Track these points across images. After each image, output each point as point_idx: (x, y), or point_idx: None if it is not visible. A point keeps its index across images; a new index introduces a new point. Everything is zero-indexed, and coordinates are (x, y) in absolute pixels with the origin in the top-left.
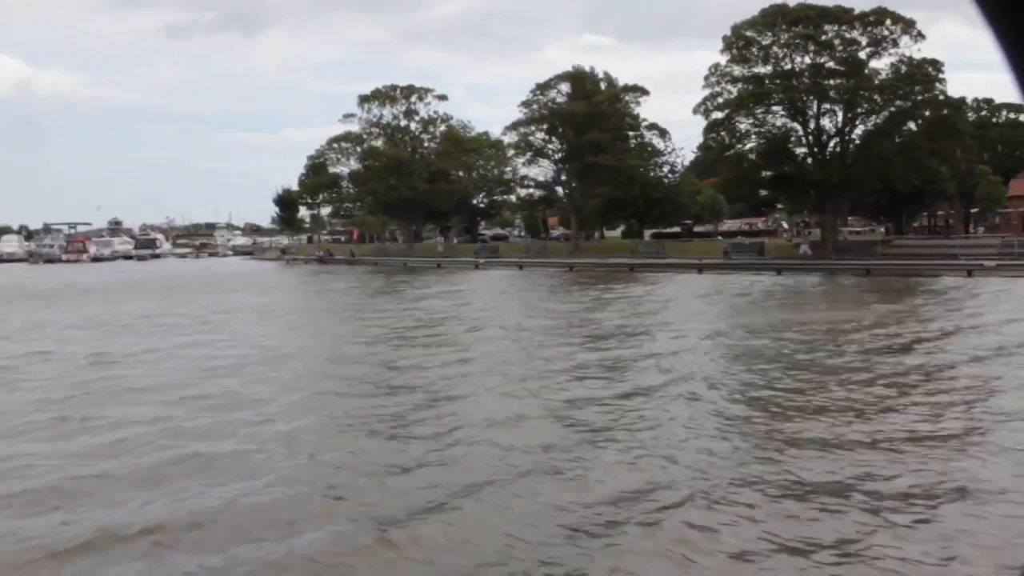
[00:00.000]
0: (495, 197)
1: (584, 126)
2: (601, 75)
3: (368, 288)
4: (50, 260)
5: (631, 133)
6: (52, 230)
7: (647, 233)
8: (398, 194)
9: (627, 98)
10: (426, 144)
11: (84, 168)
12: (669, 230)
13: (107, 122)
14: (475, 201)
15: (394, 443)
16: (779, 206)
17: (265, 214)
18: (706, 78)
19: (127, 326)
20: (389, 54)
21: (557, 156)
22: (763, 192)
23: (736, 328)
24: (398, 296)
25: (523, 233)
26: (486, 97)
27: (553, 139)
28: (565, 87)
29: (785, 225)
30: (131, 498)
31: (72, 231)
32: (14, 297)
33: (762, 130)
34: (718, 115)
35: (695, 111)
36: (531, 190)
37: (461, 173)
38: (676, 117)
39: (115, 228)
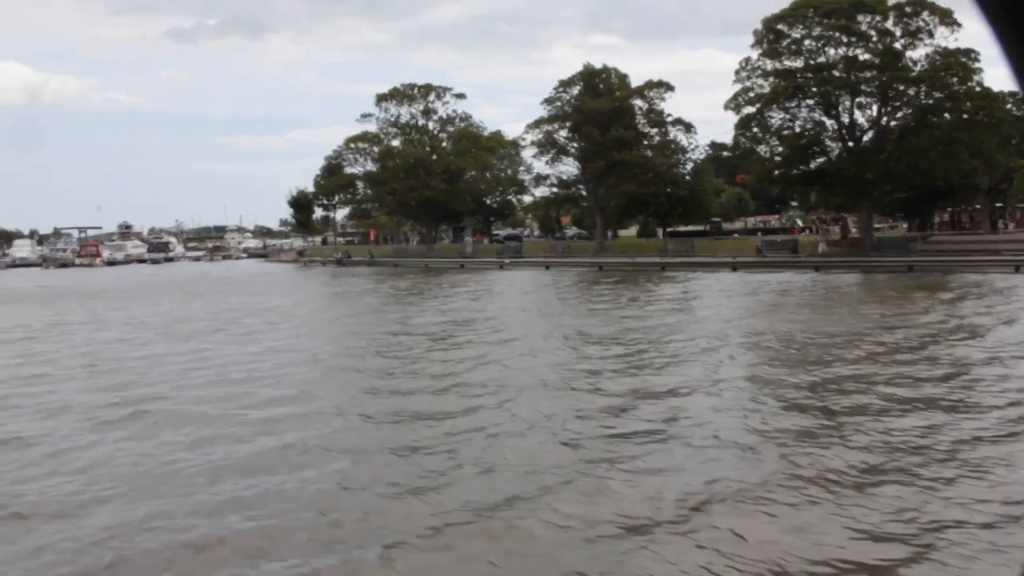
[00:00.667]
0: (509, 197)
1: (608, 123)
2: (613, 75)
3: (397, 290)
4: (63, 264)
5: (655, 129)
6: (62, 234)
7: (660, 232)
8: (418, 194)
9: (651, 94)
10: (444, 144)
11: (91, 172)
12: (686, 228)
13: (114, 127)
14: (488, 201)
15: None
16: (793, 203)
17: (273, 216)
18: (736, 72)
19: (168, 332)
20: (394, 56)
21: (580, 154)
22: (797, 188)
23: (803, 328)
24: (430, 299)
25: (538, 233)
26: (493, 97)
27: (576, 137)
28: (581, 84)
29: (800, 223)
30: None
31: (83, 235)
32: (47, 300)
33: (793, 125)
34: (749, 110)
35: (726, 107)
36: (554, 189)
37: (474, 173)
38: (686, 116)
39: (125, 232)
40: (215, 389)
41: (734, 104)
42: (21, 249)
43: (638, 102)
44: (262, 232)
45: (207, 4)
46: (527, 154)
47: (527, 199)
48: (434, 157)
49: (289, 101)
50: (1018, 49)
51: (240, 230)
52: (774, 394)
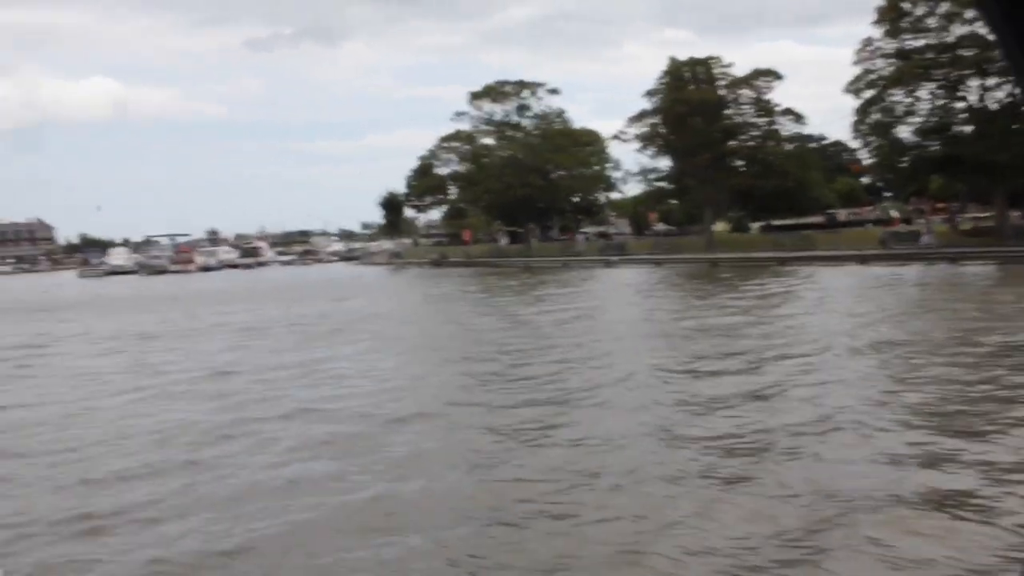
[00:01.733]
0: (596, 195)
1: (714, 114)
2: (696, 67)
3: (513, 290)
4: (159, 271)
5: (763, 119)
6: (153, 241)
7: (754, 226)
8: (514, 192)
9: (759, 82)
10: (538, 141)
11: (172, 180)
12: (781, 222)
13: (193, 135)
14: (576, 199)
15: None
16: (887, 194)
17: (354, 219)
18: (857, 53)
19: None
20: (467, 57)
21: (685, 146)
22: (921, 175)
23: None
24: (559, 300)
25: (628, 230)
26: (566, 95)
27: (679, 129)
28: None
29: (895, 214)
30: None
31: (174, 242)
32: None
33: (917, 108)
34: (870, 93)
35: (846, 90)
36: (654, 184)
37: (563, 172)
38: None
39: (214, 238)
40: None
41: (854, 88)
42: (117, 257)
43: (744, 91)
44: (346, 235)
45: (283, 13)
46: (629, 148)
47: (614, 196)
48: (529, 155)
49: (363, 106)
50: (1018, 49)
51: (325, 234)
52: None
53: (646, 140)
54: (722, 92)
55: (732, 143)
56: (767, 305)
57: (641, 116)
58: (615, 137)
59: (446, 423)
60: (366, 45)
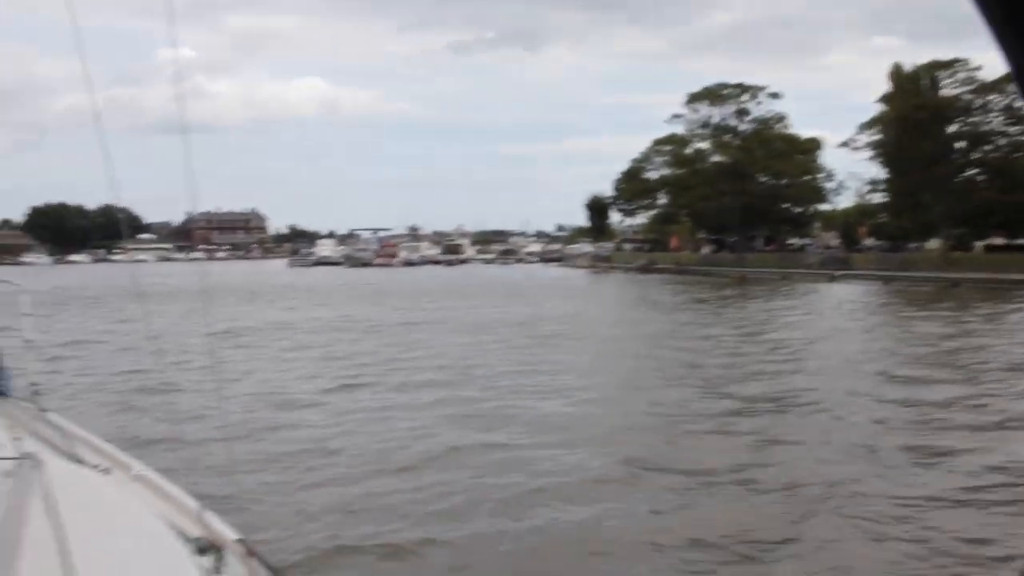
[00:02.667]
0: (802, 208)
1: (951, 121)
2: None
3: (755, 306)
4: (364, 264)
5: (1015, 128)
6: (355, 235)
7: (977, 245)
8: (730, 200)
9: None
10: (755, 146)
11: (373, 176)
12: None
13: (394, 134)
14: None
15: None
16: None
17: (547, 221)
18: None
19: None
20: (667, 64)
21: (921, 157)
22: None
23: None
24: (806, 320)
25: (837, 244)
26: (770, 103)
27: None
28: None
29: None
30: None
31: (375, 235)
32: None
33: None
34: None
35: None
36: (884, 194)
37: (777, 180)
38: None
39: (414, 233)
40: None
41: None
42: (325, 248)
43: (992, 97)
44: (541, 236)
45: (487, 18)
46: (846, 159)
47: (823, 208)
48: (746, 160)
49: (561, 109)
50: (1018, 49)
51: (523, 234)
52: None
53: (878, 148)
54: (968, 97)
55: (976, 154)
56: None
57: (872, 123)
58: (844, 144)
59: None
60: (567, 50)
